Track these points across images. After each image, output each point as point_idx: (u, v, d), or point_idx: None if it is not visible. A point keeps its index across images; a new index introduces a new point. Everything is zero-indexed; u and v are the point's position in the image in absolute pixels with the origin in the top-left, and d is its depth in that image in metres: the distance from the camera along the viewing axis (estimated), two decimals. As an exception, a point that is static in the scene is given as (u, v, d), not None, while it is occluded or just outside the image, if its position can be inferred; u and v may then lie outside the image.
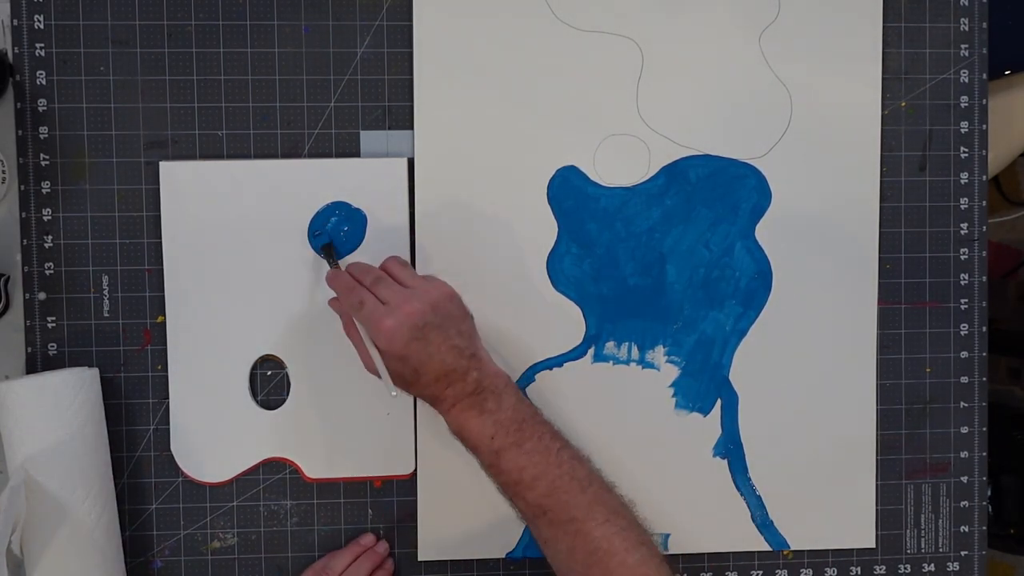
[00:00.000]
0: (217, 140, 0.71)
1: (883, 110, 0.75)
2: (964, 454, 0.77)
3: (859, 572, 0.76)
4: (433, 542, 0.73)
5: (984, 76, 0.75)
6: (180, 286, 0.70)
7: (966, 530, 0.77)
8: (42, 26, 0.69)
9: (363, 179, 0.71)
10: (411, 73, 0.72)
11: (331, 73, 0.71)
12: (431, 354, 0.61)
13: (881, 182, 0.75)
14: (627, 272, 0.73)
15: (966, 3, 0.75)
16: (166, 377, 0.70)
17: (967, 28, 0.75)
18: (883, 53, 0.74)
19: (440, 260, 0.72)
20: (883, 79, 0.74)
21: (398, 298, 0.61)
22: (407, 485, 0.73)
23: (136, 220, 0.70)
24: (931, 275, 0.76)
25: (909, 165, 0.75)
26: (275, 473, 0.72)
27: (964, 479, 0.77)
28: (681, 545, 0.74)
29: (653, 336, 0.73)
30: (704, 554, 0.75)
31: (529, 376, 0.73)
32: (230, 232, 0.70)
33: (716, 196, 0.73)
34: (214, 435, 0.71)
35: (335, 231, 0.70)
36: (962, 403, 0.76)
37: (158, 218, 0.70)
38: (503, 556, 0.73)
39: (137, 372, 0.71)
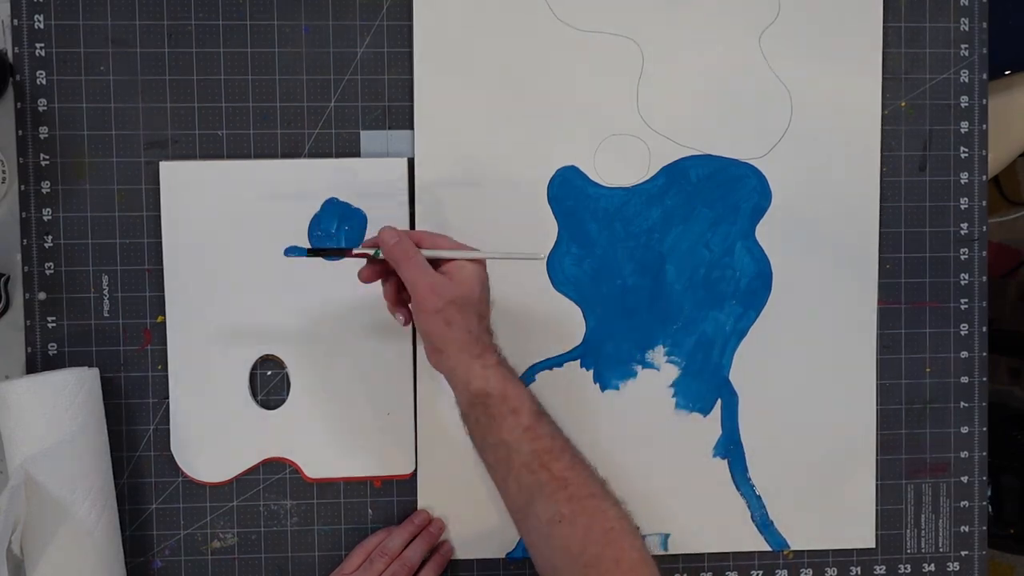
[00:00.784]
0: (217, 140, 0.71)
1: (883, 110, 0.75)
2: (964, 454, 0.77)
3: (859, 572, 0.76)
4: (433, 542, 0.73)
5: (984, 76, 0.75)
6: (180, 286, 0.70)
7: (966, 530, 0.77)
8: (42, 26, 0.69)
9: (363, 179, 0.71)
10: (411, 73, 0.72)
11: (331, 73, 0.71)
12: (487, 303, 0.61)
13: (881, 182, 0.75)
14: (627, 272, 0.73)
15: (966, 3, 0.75)
16: (166, 377, 0.70)
17: (967, 28, 0.75)
18: (883, 53, 0.74)
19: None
20: (883, 79, 0.74)
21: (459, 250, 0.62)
22: (407, 485, 0.73)
23: (136, 220, 0.70)
24: (931, 275, 0.76)
25: (909, 165, 0.75)
26: (275, 473, 0.72)
27: (964, 479, 0.77)
28: (681, 545, 0.74)
29: (653, 336, 0.73)
30: (704, 554, 0.75)
31: (529, 376, 0.73)
32: (230, 232, 0.70)
33: (716, 196, 0.73)
34: (214, 435, 0.71)
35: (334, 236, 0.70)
36: (962, 403, 0.76)
37: (158, 218, 0.70)
38: (503, 556, 0.73)
39: (137, 372, 0.71)
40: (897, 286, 0.75)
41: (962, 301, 0.76)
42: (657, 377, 0.74)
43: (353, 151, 0.72)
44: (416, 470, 0.72)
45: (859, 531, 0.76)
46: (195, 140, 0.71)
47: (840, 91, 0.74)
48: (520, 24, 0.72)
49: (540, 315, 0.72)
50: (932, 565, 0.77)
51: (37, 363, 0.70)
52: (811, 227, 0.74)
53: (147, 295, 0.70)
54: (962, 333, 0.76)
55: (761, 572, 0.75)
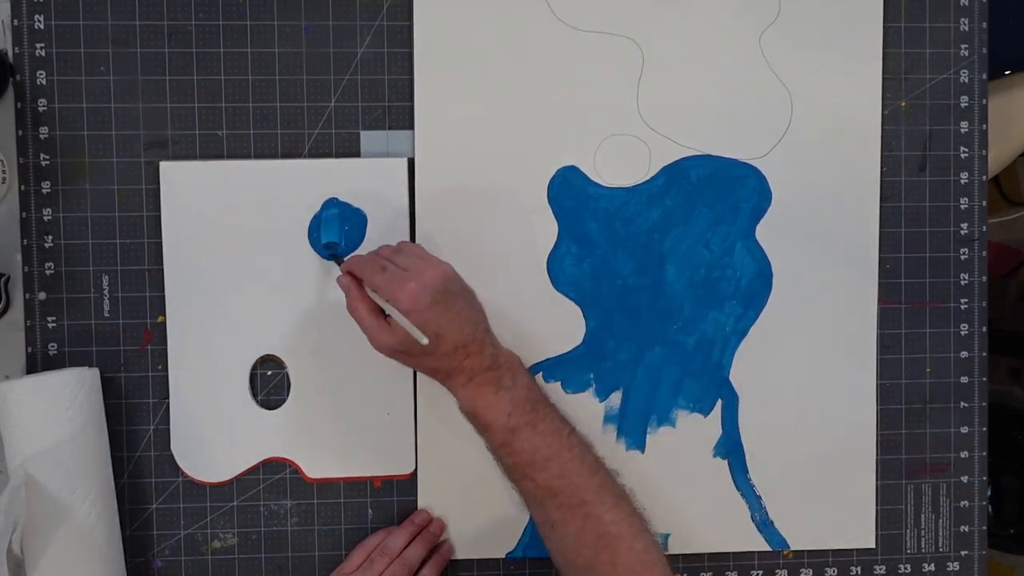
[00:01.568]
0: (217, 140, 0.71)
1: (883, 110, 0.75)
2: (964, 454, 0.77)
3: (859, 572, 0.76)
4: (433, 542, 0.73)
5: (984, 76, 0.75)
6: (180, 286, 0.70)
7: (966, 530, 0.77)
8: (42, 26, 0.69)
9: (363, 179, 0.71)
10: (411, 73, 0.72)
11: (331, 73, 0.71)
12: (451, 320, 0.60)
13: (881, 182, 0.75)
14: (627, 272, 0.73)
15: (966, 3, 0.75)
16: (166, 377, 0.70)
17: (967, 28, 0.75)
18: (883, 53, 0.74)
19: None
20: (883, 79, 0.74)
21: (418, 265, 0.61)
22: (407, 485, 0.73)
23: (136, 220, 0.70)
24: (931, 275, 0.76)
25: (909, 165, 0.75)
26: (275, 473, 0.72)
27: (964, 479, 0.77)
28: (681, 545, 0.74)
29: (653, 336, 0.73)
30: (704, 554, 0.75)
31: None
32: (230, 232, 0.70)
33: (716, 196, 0.73)
34: (214, 435, 0.71)
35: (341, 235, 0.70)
36: (962, 403, 0.76)
37: (158, 218, 0.70)
38: (503, 556, 0.73)
39: (137, 372, 0.71)
40: (897, 286, 0.75)
41: (962, 301, 0.76)
42: (657, 377, 0.74)
43: (353, 151, 0.72)
44: (416, 470, 0.72)
45: (859, 531, 0.76)
46: (195, 140, 0.71)
47: (840, 91, 0.74)
48: (520, 24, 0.72)
49: (540, 315, 0.72)
50: (932, 565, 0.77)
51: (37, 363, 0.70)
52: (811, 227, 0.74)
53: (147, 295, 0.70)
54: (962, 333, 0.76)
55: (761, 572, 0.75)
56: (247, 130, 0.71)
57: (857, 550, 0.76)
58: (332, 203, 0.70)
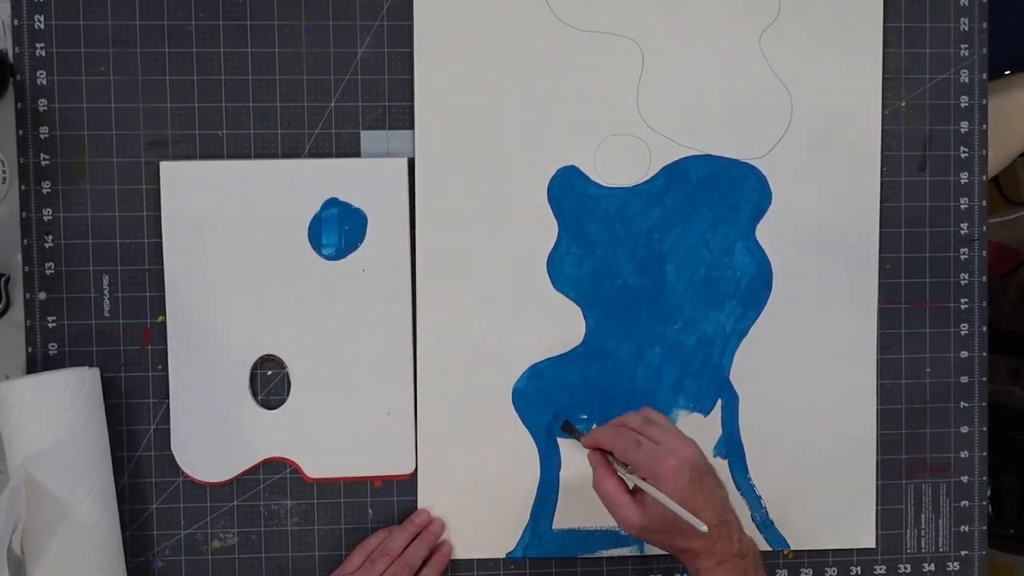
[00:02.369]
0: (217, 140, 0.71)
1: (883, 110, 0.75)
2: (964, 454, 0.77)
3: (859, 572, 0.76)
4: (433, 542, 0.73)
5: (984, 76, 0.75)
6: (180, 286, 0.70)
7: (966, 530, 0.77)
8: (42, 26, 0.69)
9: (363, 179, 0.71)
10: (411, 73, 0.72)
11: (331, 73, 0.71)
12: (707, 499, 0.58)
13: (881, 182, 0.75)
14: (627, 272, 0.73)
15: (966, 3, 0.75)
16: (166, 377, 0.70)
17: (967, 28, 0.75)
18: (883, 53, 0.74)
19: (440, 260, 0.72)
20: (883, 79, 0.74)
21: (672, 441, 0.60)
22: (407, 485, 0.73)
23: (136, 220, 0.70)
24: (931, 275, 0.76)
25: (909, 165, 0.75)
26: (275, 473, 0.72)
27: (964, 479, 0.77)
28: (681, 545, 0.74)
29: (653, 336, 0.73)
30: (704, 554, 0.75)
31: (529, 376, 0.73)
32: (230, 232, 0.70)
33: (716, 196, 0.73)
34: (214, 435, 0.71)
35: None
36: (962, 403, 0.76)
37: (158, 218, 0.70)
38: (503, 556, 0.73)
39: (137, 372, 0.71)
40: (897, 286, 0.75)
41: (962, 301, 0.76)
42: (657, 377, 0.73)
43: (353, 151, 0.72)
44: (416, 470, 0.72)
45: (859, 531, 0.76)
46: (195, 140, 0.71)
47: (840, 91, 0.74)
48: (520, 24, 0.72)
49: (540, 315, 0.72)
50: (932, 565, 0.77)
51: (37, 363, 0.70)
52: (811, 227, 0.74)
53: (147, 295, 0.70)
54: (962, 333, 0.76)
55: (761, 572, 0.75)
56: (247, 130, 0.71)
57: (857, 550, 0.76)
58: (332, 203, 0.70)
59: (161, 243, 0.70)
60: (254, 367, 0.71)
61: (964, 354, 0.76)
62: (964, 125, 0.76)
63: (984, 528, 0.77)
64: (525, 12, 0.72)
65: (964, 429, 0.76)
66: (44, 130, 0.69)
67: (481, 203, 0.72)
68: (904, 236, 0.75)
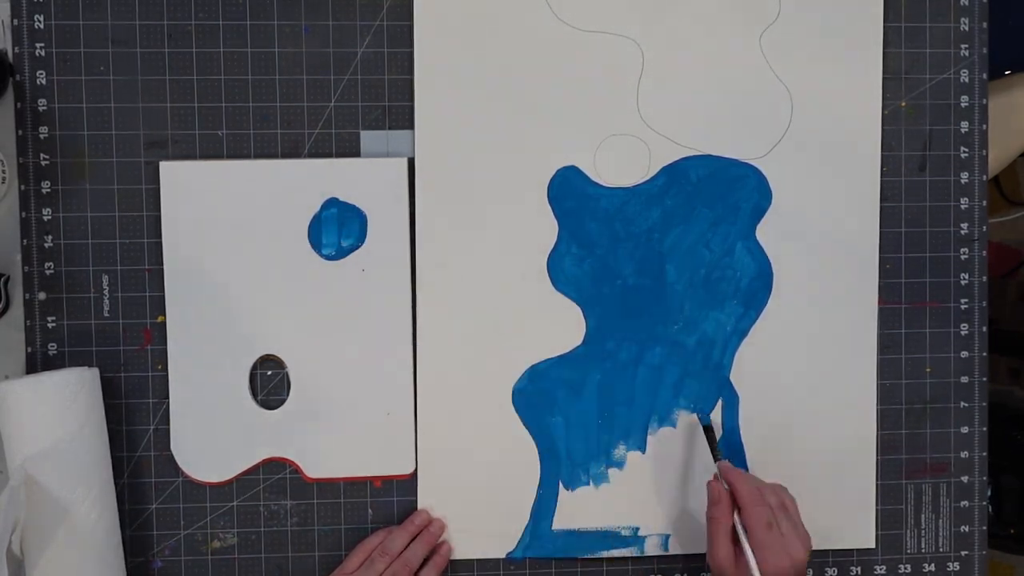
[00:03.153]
0: (217, 140, 0.71)
1: (883, 110, 0.75)
2: (964, 454, 0.77)
3: (859, 572, 0.76)
4: (433, 542, 0.73)
5: (984, 76, 0.75)
6: (180, 286, 0.70)
7: (966, 530, 0.77)
8: (42, 26, 0.69)
9: (363, 179, 0.71)
10: (411, 73, 0.71)
11: (331, 73, 0.71)
12: None
13: (881, 182, 0.75)
14: (627, 272, 0.73)
15: (966, 3, 0.75)
16: (166, 377, 0.70)
17: (967, 28, 0.75)
18: (883, 53, 0.74)
19: (440, 260, 0.72)
20: (883, 79, 0.74)
21: (794, 540, 0.63)
22: (407, 485, 0.73)
23: (136, 220, 0.70)
24: (931, 275, 0.76)
25: (909, 165, 0.75)
26: (275, 473, 0.72)
27: (964, 479, 0.77)
28: (681, 545, 0.74)
29: (653, 336, 0.73)
30: (704, 554, 0.75)
31: (529, 376, 0.73)
32: (230, 232, 0.70)
33: (716, 196, 0.73)
34: (214, 435, 0.71)
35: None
36: (962, 403, 0.76)
37: (158, 218, 0.70)
38: (503, 556, 0.73)
39: (137, 372, 0.71)
40: (897, 286, 0.75)
41: (962, 301, 0.76)
42: (657, 377, 0.74)
43: (353, 151, 0.72)
44: (416, 470, 0.72)
45: (859, 531, 0.76)
46: (195, 140, 0.71)
47: (840, 91, 0.74)
48: (520, 24, 0.72)
49: (540, 315, 0.72)
50: (932, 565, 0.77)
51: (37, 363, 0.70)
52: (811, 227, 0.74)
53: (147, 295, 0.70)
54: (962, 333, 0.76)
55: (761, 572, 0.75)
56: (247, 130, 0.71)
57: (857, 550, 0.76)
58: (332, 203, 0.70)
59: (161, 243, 0.70)
60: (254, 367, 0.71)
61: (964, 354, 0.76)
62: (964, 125, 0.76)
63: (984, 528, 0.77)
64: (525, 12, 0.72)
65: (964, 429, 0.76)
66: (44, 130, 0.69)
67: (481, 203, 0.72)
68: (904, 236, 0.75)
